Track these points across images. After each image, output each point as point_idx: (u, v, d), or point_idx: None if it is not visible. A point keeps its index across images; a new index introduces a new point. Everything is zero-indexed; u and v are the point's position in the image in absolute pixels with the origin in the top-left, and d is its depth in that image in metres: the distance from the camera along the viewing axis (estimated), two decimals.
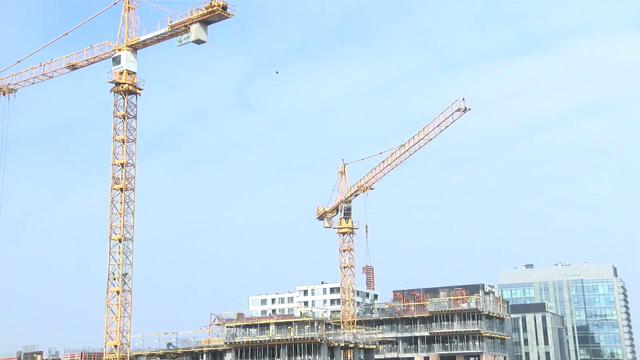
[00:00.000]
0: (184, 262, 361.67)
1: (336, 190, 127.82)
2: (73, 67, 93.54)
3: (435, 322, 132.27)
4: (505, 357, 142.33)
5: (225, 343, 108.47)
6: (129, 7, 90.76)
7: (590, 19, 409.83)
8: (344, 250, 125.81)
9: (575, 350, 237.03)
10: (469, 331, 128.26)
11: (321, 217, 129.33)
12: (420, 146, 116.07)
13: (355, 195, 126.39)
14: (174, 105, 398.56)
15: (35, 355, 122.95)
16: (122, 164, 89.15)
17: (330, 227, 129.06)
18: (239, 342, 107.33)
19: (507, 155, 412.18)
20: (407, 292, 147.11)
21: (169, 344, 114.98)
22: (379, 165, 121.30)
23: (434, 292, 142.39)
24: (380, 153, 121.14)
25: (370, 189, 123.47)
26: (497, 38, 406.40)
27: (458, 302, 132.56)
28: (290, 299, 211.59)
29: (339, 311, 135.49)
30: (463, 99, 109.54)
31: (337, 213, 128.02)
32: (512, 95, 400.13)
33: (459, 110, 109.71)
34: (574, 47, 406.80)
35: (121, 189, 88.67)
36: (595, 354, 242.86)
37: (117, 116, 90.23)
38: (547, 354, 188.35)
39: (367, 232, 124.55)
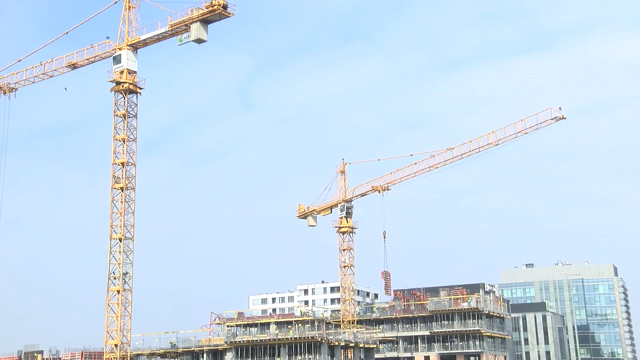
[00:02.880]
0: (185, 261, 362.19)
1: (331, 188, 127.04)
2: (73, 66, 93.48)
3: (436, 321, 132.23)
4: (505, 357, 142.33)
5: (226, 342, 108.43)
6: (129, 6, 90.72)
7: (592, 19, 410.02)
8: (343, 250, 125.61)
9: (576, 349, 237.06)
10: (470, 330, 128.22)
11: (304, 216, 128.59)
12: (480, 151, 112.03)
13: (363, 195, 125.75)
14: (174, 105, 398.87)
15: (35, 354, 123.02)
16: (122, 163, 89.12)
17: (315, 226, 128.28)
18: (240, 341, 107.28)
19: (508, 155, 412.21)
20: (407, 292, 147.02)
21: (173, 344, 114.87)
22: (410, 167, 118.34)
23: (434, 291, 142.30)
24: (412, 155, 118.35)
25: (387, 189, 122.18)
26: (498, 37, 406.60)
27: (458, 301, 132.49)
28: (291, 298, 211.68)
29: (339, 310, 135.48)
30: (560, 108, 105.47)
31: (330, 212, 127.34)
32: (513, 95, 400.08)
33: (553, 118, 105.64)
34: (576, 46, 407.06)
35: (122, 188, 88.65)
36: (595, 353, 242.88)
37: (117, 115, 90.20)
38: (548, 353, 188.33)
39: (384, 237, 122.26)
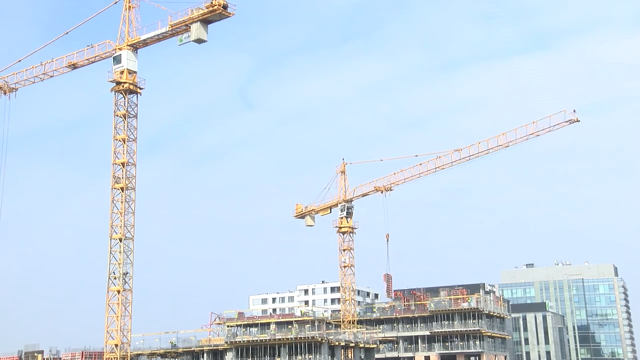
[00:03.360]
0: (185, 261, 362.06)
1: (330, 188, 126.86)
2: (74, 66, 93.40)
3: (436, 321, 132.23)
4: (505, 357, 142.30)
5: (226, 342, 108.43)
6: (129, 6, 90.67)
7: (592, 19, 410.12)
8: (344, 250, 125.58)
9: (576, 349, 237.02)
10: (470, 330, 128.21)
11: (301, 215, 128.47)
12: (489, 152, 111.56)
13: (364, 196, 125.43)
14: (174, 105, 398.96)
15: (36, 354, 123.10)
16: (122, 163, 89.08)
17: (313, 226, 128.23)
18: (240, 341, 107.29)
19: (507, 155, 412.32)
20: (407, 292, 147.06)
21: (173, 344, 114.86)
22: (416, 168, 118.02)
23: (434, 291, 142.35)
24: (417, 155, 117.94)
25: (390, 190, 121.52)
26: (499, 37, 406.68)
27: (459, 301, 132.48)
28: (291, 298, 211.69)
29: (340, 310, 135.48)
30: (574, 111, 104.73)
31: (330, 212, 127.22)
32: (513, 95, 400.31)
33: (567, 121, 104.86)
34: (576, 46, 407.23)
35: (122, 188, 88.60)
36: (595, 353, 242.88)
37: (117, 115, 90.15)
38: (548, 353, 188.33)
39: (388, 240, 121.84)
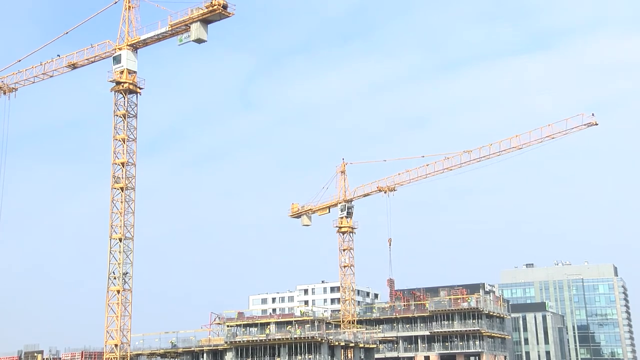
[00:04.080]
0: (185, 261, 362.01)
1: (329, 188, 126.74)
2: (73, 66, 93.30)
3: (436, 321, 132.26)
4: (505, 357, 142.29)
5: (226, 342, 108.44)
6: (129, 6, 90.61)
7: (592, 19, 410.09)
8: (344, 250, 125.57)
9: (576, 349, 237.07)
10: (470, 330, 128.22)
11: (297, 215, 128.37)
12: (500, 154, 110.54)
13: (366, 196, 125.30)
14: (174, 105, 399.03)
15: (35, 354, 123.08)
16: (122, 163, 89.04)
17: (309, 225, 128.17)
18: (240, 341, 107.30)
19: (509, 155, 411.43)
20: (407, 292, 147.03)
21: (173, 344, 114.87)
22: (422, 168, 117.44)
23: (434, 291, 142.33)
24: (423, 156, 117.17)
25: (394, 190, 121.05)
26: (499, 37, 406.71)
27: (458, 301, 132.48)
28: (291, 298, 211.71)
29: (339, 310, 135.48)
30: (592, 114, 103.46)
31: (328, 212, 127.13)
32: (513, 94, 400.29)
33: (585, 124, 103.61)
34: (576, 46, 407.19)
35: (122, 188, 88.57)
36: (595, 353, 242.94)
37: (117, 115, 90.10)
38: (548, 353, 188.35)
39: (390, 245, 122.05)
